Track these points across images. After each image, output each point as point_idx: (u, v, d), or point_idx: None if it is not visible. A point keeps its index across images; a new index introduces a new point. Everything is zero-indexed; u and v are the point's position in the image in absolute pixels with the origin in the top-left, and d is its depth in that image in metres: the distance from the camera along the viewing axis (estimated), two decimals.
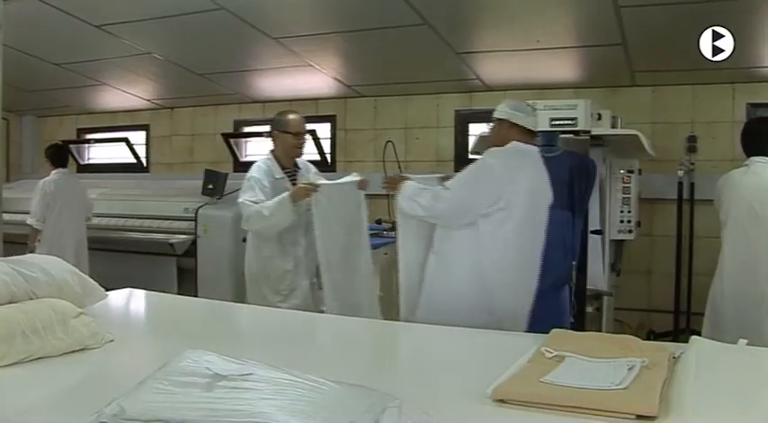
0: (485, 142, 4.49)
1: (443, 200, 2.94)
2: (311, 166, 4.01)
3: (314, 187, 3.52)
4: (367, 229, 3.67)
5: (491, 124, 3.21)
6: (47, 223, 5.47)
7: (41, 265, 2.01)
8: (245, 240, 5.54)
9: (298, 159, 3.91)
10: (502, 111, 3.10)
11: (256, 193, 3.64)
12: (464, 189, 2.94)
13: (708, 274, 4.97)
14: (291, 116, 3.83)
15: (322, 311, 3.55)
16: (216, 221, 5.52)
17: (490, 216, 2.88)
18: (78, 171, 7.71)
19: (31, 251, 5.32)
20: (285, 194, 3.55)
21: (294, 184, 3.73)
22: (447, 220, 2.99)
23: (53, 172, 5.60)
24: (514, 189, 2.90)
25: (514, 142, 3.02)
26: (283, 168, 3.79)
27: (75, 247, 5.49)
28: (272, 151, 3.85)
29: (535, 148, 3.10)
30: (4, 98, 3.19)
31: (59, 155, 5.77)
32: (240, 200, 3.69)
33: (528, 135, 3.09)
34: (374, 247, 4.41)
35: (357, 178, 3.68)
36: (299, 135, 3.80)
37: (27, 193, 6.83)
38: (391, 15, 4.37)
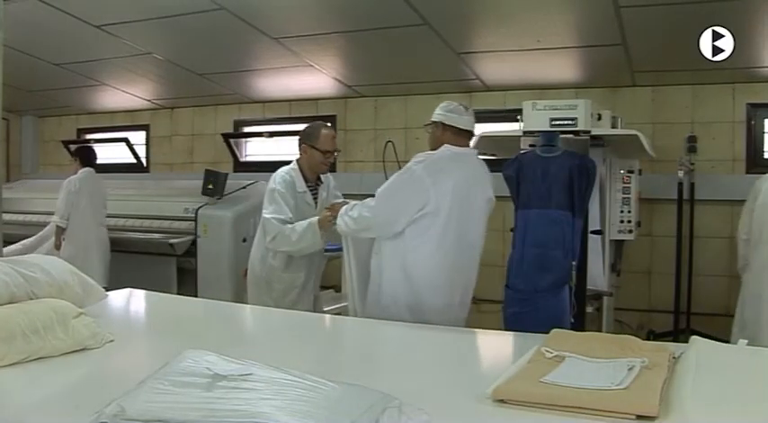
0: (490, 143, 4.52)
1: (369, 209, 2.97)
2: (332, 179, 3.89)
3: (334, 213, 3.37)
4: None
5: (428, 128, 3.23)
6: (71, 222, 5.47)
7: (42, 265, 2.01)
8: (245, 240, 5.57)
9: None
10: (436, 114, 3.14)
11: (282, 207, 3.48)
12: (387, 199, 2.95)
13: (708, 274, 4.99)
14: (324, 132, 3.67)
15: None
16: (216, 221, 5.53)
17: (416, 222, 2.91)
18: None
19: (58, 249, 5.41)
20: (314, 220, 3.40)
21: (315, 199, 3.67)
22: (375, 229, 3.01)
23: (80, 171, 5.60)
24: (439, 193, 2.90)
25: (446, 146, 3.05)
26: (306, 181, 3.66)
27: (98, 247, 5.53)
28: (298, 161, 3.70)
29: (469, 150, 3.14)
30: (4, 98, 3.19)
31: (88, 154, 5.78)
32: (265, 215, 3.52)
33: (463, 136, 3.12)
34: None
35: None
36: (329, 153, 3.65)
37: (27, 194, 6.86)
38: (391, 15, 4.37)
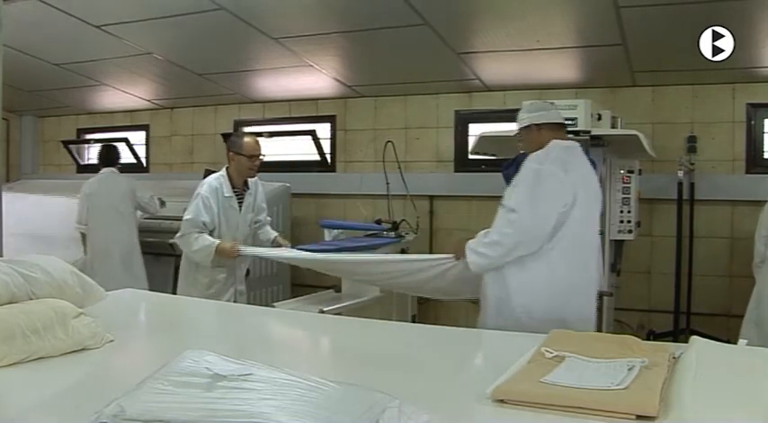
0: (489, 144, 4.52)
1: (512, 223, 2.73)
2: (260, 185, 4.24)
3: (238, 252, 3.88)
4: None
5: (519, 135, 3.08)
6: (90, 226, 5.37)
7: (41, 265, 2.01)
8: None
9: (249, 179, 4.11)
10: (523, 119, 3.00)
11: (201, 211, 3.86)
12: (529, 206, 2.74)
13: (707, 274, 5.00)
14: (247, 139, 4.03)
15: None
16: None
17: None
18: (78, 171, 7.71)
19: (86, 254, 5.38)
20: (214, 244, 3.82)
21: (240, 203, 4.05)
22: (526, 242, 2.75)
23: (100, 172, 5.53)
24: (571, 187, 2.77)
25: (554, 141, 2.90)
26: (234, 187, 4.00)
27: (121, 251, 5.35)
28: (227, 169, 4.04)
29: (576, 143, 2.98)
30: (4, 98, 3.19)
31: (106, 154, 5.66)
32: (185, 217, 3.90)
33: (560, 129, 2.99)
34: (374, 246, 4.42)
35: (282, 250, 4.14)
36: (253, 158, 3.97)
37: (27, 194, 6.84)
38: (391, 15, 4.37)
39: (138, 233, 5.54)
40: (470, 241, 2.88)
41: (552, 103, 3.11)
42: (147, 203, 5.53)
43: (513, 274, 2.82)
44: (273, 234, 4.35)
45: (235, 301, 4.04)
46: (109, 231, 5.37)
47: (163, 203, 5.61)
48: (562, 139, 2.96)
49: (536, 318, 2.73)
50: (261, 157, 4.04)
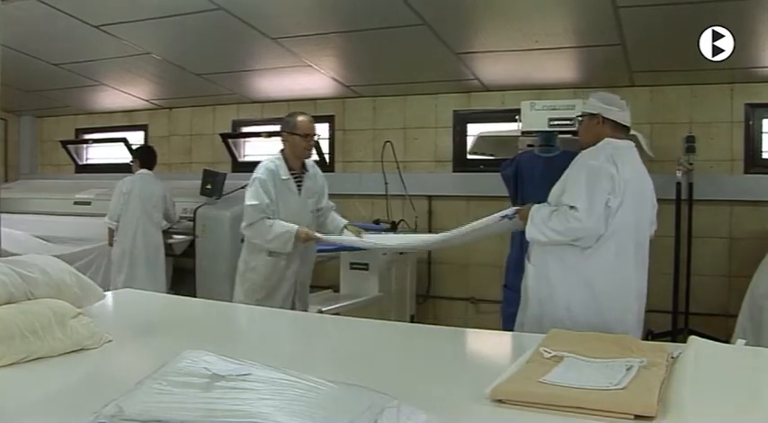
0: (488, 144, 4.52)
1: (576, 219, 2.71)
2: (318, 168, 4.02)
3: (317, 238, 3.72)
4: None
5: (580, 119, 3.05)
6: (121, 224, 5.41)
7: (40, 265, 2.00)
8: (243, 241, 5.56)
9: (306, 161, 3.92)
10: (593, 105, 2.95)
11: (261, 195, 3.65)
12: (590, 199, 2.72)
13: (706, 274, 5.00)
14: (301, 118, 3.83)
15: None
16: (214, 221, 5.52)
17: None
18: (77, 171, 7.71)
19: (111, 246, 5.44)
20: (293, 229, 3.62)
21: (299, 187, 3.82)
22: (587, 237, 2.75)
23: (137, 172, 5.57)
24: (621, 184, 2.75)
25: (607, 139, 2.87)
26: (291, 169, 3.81)
27: (147, 253, 5.40)
28: (282, 151, 3.85)
29: (631, 144, 2.94)
30: (3, 98, 3.19)
31: (144, 155, 5.72)
32: (247, 203, 3.68)
33: (621, 131, 2.94)
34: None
35: (355, 237, 3.85)
36: (309, 137, 3.80)
37: (26, 194, 6.86)
38: (390, 15, 4.37)
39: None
40: (535, 213, 2.86)
41: (627, 105, 3.05)
42: (172, 214, 5.61)
43: (555, 272, 2.82)
44: (343, 221, 4.00)
45: (295, 292, 3.87)
46: (138, 232, 5.41)
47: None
48: (618, 139, 2.92)
49: (576, 317, 2.72)
50: (317, 136, 3.89)
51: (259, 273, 3.80)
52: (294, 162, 3.83)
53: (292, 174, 3.81)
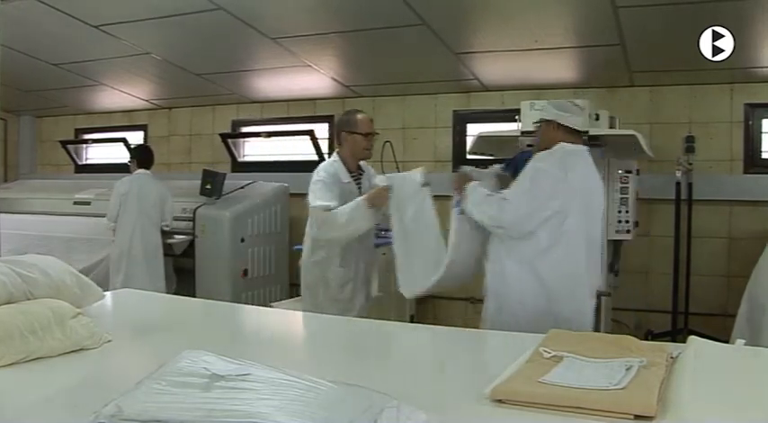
0: (487, 144, 4.52)
1: (506, 211, 2.87)
2: (371, 168, 3.82)
3: (386, 189, 3.36)
4: (436, 220, 3.45)
5: (536, 126, 3.16)
6: (118, 224, 5.40)
7: (39, 265, 2.00)
8: (243, 240, 5.57)
9: (361, 162, 3.73)
10: (549, 112, 3.05)
11: (327, 196, 3.43)
12: (521, 196, 2.87)
13: (706, 274, 5.00)
14: (360, 116, 3.64)
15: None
16: (214, 222, 5.53)
17: (548, 221, 2.85)
18: (76, 171, 7.72)
19: None
20: (360, 199, 3.38)
21: (360, 189, 3.62)
22: (511, 229, 2.90)
23: (135, 172, 5.55)
24: (569, 190, 2.86)
25: (562, 143, 2.97)
26: (350, 172, 3.62)
27: (146, 253, 5.37)
28: (339, 153, 3.66)
29: (584, 148, 3.04)
30: (3, 98, 3.19)
31: (141, 155, 5.69)
32: (314, 204, 3.45)
33: (575, 135, 3.04)
34: (375, 246, 4.42)
35: (418, 173, 3.46)
36: (370, 135, 3.60)
37: (25, 194, 6.86)
38: (389, 15, 4.37)
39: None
40: (476, 193, 3.00)
41: (582, 109, 3.15)
42: (168, 211, 5.53)
43: (511, 269, 2.92)
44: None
45: (366, 302, 3.71)
46: (135, 232, 5.38)
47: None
48: (573, 144, 3.01)
49: (530, 313, 2.82)
50: (376, 135, 3.69)
51: (333, 285, 3.61)
52: (352, 163, 3.64)
53: (351, 175, 3.62)
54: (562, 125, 3.01)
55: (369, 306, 3.75)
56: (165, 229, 5.53)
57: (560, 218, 2.84)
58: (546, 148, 2.99)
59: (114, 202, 5.40)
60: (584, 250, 2.92)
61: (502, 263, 2.95)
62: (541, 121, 3.10)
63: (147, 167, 5.60)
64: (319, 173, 3.54)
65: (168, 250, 5.57)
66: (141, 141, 7.28)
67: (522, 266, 2.89)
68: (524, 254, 2.89)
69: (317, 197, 3.43)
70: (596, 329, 4.15)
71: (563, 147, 2.96)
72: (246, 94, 6.38)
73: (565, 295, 2.86)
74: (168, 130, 7.17)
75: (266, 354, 1.79)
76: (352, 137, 3.59)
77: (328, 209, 3.37)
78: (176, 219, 5.66)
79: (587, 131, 3.14)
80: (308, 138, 6.20)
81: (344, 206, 3.37)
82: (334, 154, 3.69)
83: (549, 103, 3.11)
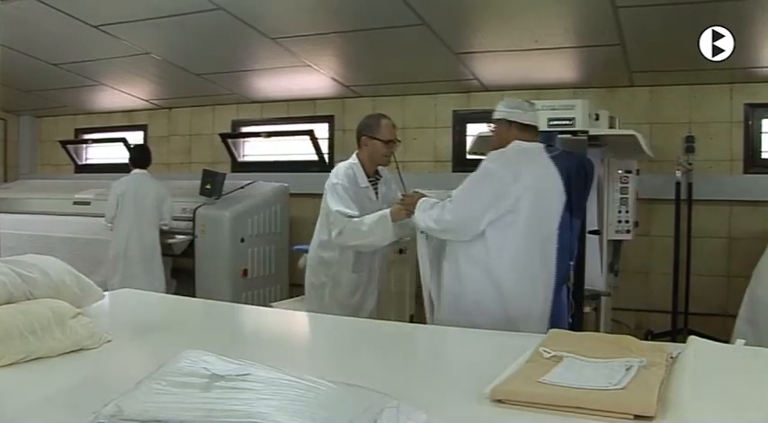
0: (487, 144, 4.51)
1: (449, 211, 2.89)
2: (388, 173, 3.73)
3: (410, 209, 3.17)
4: None
5: (491, 126, 3.16)
6: (115, 225, 5.40)
7: (39, 265, 2.00)
8: (242, 240, 5.57)
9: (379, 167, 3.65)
10: (499, 111, 3.07)
11: (348, 202, 3.37)
12: (465, 197, 2.88)
13: (705, 274, 5.00)
14: (384, 122, 3.54)
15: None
16: (214, 222, 5.53)
17: (498, 221, 2.85)
18: (76, 171, 7.71)
19: None
20: (385, 212, 3.26)
21: (376, 194, 3.58)
22: (456, 231, 2.92)
23: (132, 172, 5.55)
24: (519, 189, 2.85)
25: (516, 141, 2.98)
26: (368, 176, 3.56)
27: (143, 253, 5.35)
28: (358, 155, 3.58)
29: (538, 145, 3.04)
30: (2, 98, 3.19)
31: (137, 155, 5.68)
32: (335, 208, 3.36)
33: (529, 132, 3.05)
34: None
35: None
36: (391, 143, 3.53)
37: (25, 194, 6.86)
38: (389, 15, 4.37)
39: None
40: (423, 202, 3.02)
41: (533, 105, 3.15)
42: (165, 213, 5.50)
43: (467, 271, 2.94)
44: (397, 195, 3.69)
45: (377, 308, 3.65)
46: (132, 233, 5.38)
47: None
48: (527, 141, 3.03)
49: (485, 311, 2.84)
50: (398, 143, 3.61)
51: (343, 289, 3.55)
52: (371, 168, 3.57)
53: (369, 180, 3.56)
54: (515, 123, 3.02)
55: (377, 309, 3.70)
56: (164, 228, 5.51)
57: (511, 217, 2.85)
58: (500, 147, 3.01)
59: (111, 202, 5.39)
60: (538, 249, 2.93)
61: (457, 263, 2.96)
62: (494, 120, 3.11)
63: (144, 167, 5.58)
64: (338, 175, 3.48)
65: (168, 250, 5.57)
66: (141, 142, 7.28)
67: (476, 267, 2.90)
68: (477, 254, 2.90)
69: (338, 202, 3.37)
70: (596, 329, 4.17)
71: (517, 145, 2.98)
72: (246, 94, 6.38)
73: (519, 294, 2.88)
74: (168, 130, 7.17)
75: (266, 354, 1.79)
76: (373, 142, 3.52)
77: (350, 216, 3.32)
78: (176, 219, 5.66)
79: (537, 126, 3.14)
80: (307, 138, 6.20)
81: (368, 217, 3.30)
82: (354, 155, 3.62)
83: (501, 103, 3.12)
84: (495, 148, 3.05)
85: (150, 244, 5.42)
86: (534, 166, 2.97)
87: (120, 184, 5.45)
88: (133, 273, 5.25)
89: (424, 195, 3.11)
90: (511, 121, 3.03)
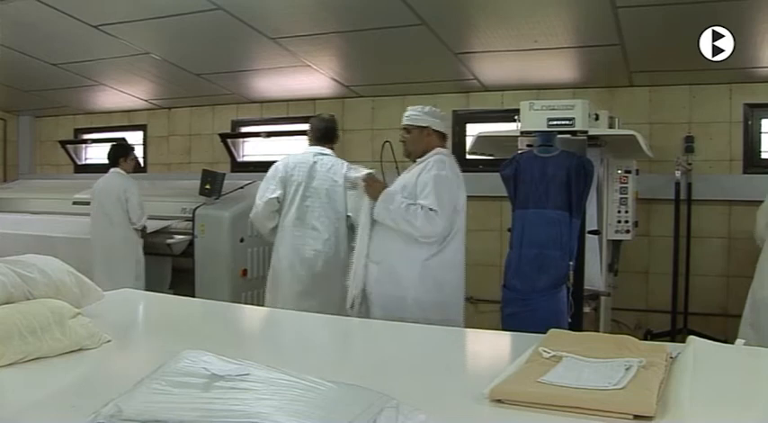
0: (488, 144, 4.53)
1: (437, 223, 3.07)
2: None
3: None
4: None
5: (409, 130, 3.34)
6: (90, 225, 5.41)
7: (39, 265, 2.00)
8: (242, 240, 5.56)
9: None
10: (423, 119, 3.24)
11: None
12: (444, 206, 3.08)
13: (705, 274, 5.00)
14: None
15: None
16: (213, 222, 5.52)
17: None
18: (75, 171, 7.71)
19: None
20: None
21: None
22: (436, 237, 3.12)
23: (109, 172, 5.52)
24: (462, 191, 3.19)
25: (438, 148, 3.22)
26: None
27: (103, 254, 5.26)
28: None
29: (449, 151, 3.36)
30: (1, 98, 3.20)
31: (111, 154, 5.59)
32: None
33: (443, 140, 3.33)
34: None
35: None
36: None
37: (24, 193, 6.86)
38: (389, 15, 4.37)
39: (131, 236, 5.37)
40: (388, 198, 3.15)
41: (444, 115, 3.45)
42: (133, 214, 5.33)
43: (404, 271, 3.10)
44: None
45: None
46: (95, 234, 5.39)
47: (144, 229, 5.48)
48: (443, 148, 3.33)
49: (428, 313, 2.99)
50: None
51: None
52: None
53: None
54: (435, 131, 3.24)
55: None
56: (137, 228, 5.37)
57: (456, 217, 3.13)
58: (423, 152, 3.22)
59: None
60: (464, 247, 3.22)
61: (391, 264, 3.12)
62: (413, 126, 3.29)
63: (113, 165, 5.51)
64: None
65: (167, 250, 5.57)
66: (141, 142, 7.29)
67: (414, 266, 3.08)
68: (419, 255, 3.08)
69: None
70: (596, 329, 4.17)
71: (441, 151, 3.22)
72: (246, 94, 6.38)
73: (455, 288, 3.13)
74: (168, 130, 7.17)
75: (266, 354, 1.79)
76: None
77: None
78: (176, 218, 5.66)
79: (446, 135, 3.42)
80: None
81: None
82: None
83: (420, 111, 3.28)
84: (413, 154, 3.28)
85: (109, 244, 5.30)
86: (458, 169, 3.29)
87: (95, 185, 5.46)
88: (95, 274, 5.08)
89: (385, 184, 3.28)
90: (433, 130, 3.26)
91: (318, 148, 4.03)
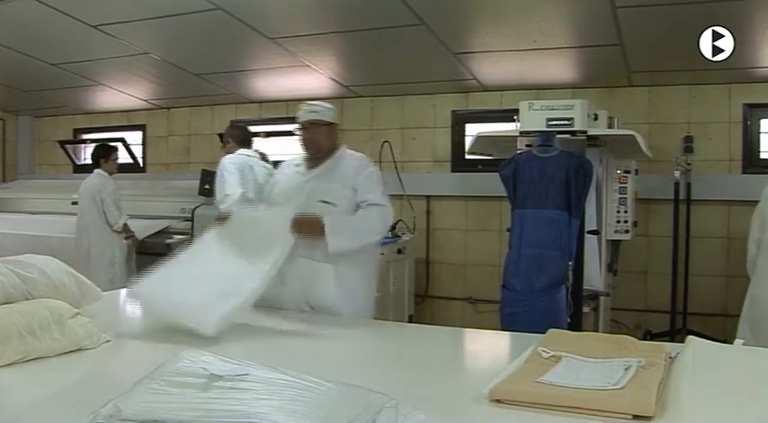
0: (488, 144, 4.54)
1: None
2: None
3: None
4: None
5: (319, 125, 3.08)
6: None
7: (38, 265, 2.00)
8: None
9: None
10: (330, 115, 3.07)
11: None
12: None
13: (704, 274, 5.00)
14: None
15: None
16: (213, 221, 5.51)
17: None
18: (74, 171, 7.70)
19: None
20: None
21: None
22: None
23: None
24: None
25: (345, 145, 3.14)
26: None
27: (77, 255, 5.18)
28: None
29: None
30: (1, 98, 3.19)
31: (92, 154, 5.60)
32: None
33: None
34: None
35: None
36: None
37: (24, 193, 6.85)
38: (388, 15, 4.37)
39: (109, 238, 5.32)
40: (336, 227, 2.81)
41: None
42: (110, 216, 5.29)
43: (353, 274, 2.91)
44: None
45: None
46: (77, 233, 5.38)
47: (131, 235, 5.45)
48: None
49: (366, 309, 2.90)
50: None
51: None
52: None
53: None
54: (336, 129, 3.13)
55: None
56: (116, 229, 5.32)
57: None
58: (330, 150, 3.05)
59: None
60: None
61: (344, 278, 2.86)
62: (324, 123, 3.08)
63: (95, 166, 5.52)
64: None
65: (167, 250, 5.56)
66: (140, 142, 7.29)
67: (356, 267, 2.90)
68: (367, 260, 2.98)
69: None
70: (595, 329, 4.17)
71: (345, 147, 3.13)
72: (245, 94, 6.38)
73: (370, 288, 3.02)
74: (167, 130, 7.16)
75: (264, 354, 1.79)
76: None
77: None
78: (175, 218, 5.66)
79: None
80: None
81: None
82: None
83: (325, 107, 3.11)
84: (323, 151, 3.05)
85: (89, 246, 5.27)
86: None
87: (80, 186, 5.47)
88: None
89: (317, 217, 2.81)
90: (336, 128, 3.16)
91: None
